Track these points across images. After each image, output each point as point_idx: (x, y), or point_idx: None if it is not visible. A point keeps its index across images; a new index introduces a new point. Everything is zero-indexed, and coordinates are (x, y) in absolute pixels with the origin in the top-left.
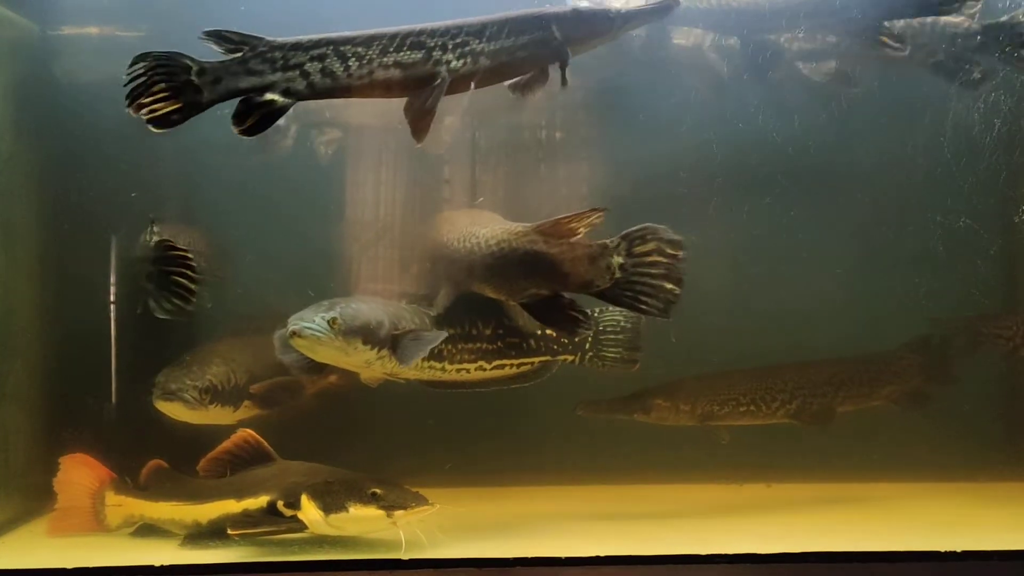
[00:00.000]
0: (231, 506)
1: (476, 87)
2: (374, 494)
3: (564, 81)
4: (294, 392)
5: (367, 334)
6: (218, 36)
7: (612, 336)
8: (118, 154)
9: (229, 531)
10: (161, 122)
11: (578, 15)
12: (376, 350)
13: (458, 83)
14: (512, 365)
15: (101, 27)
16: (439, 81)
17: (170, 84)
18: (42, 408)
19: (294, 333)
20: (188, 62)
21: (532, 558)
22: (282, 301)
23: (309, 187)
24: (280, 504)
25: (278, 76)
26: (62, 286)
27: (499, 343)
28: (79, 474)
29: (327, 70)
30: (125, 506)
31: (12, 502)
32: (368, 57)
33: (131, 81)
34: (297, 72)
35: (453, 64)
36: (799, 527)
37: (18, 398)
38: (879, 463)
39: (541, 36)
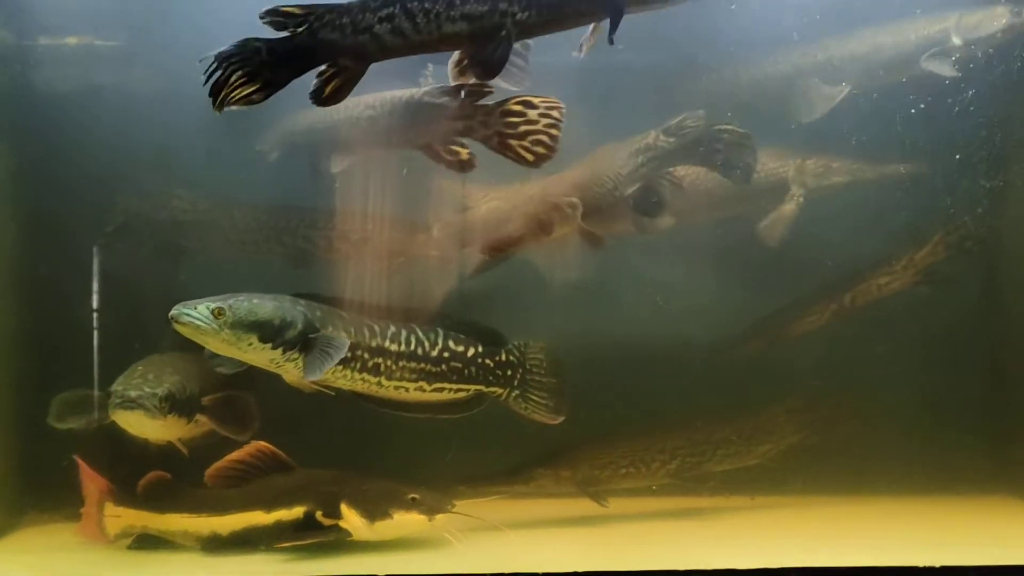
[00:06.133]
0: (259, 517)
1: (534, 36)
2: (414, 499)
3: (611, 39)
4: (244, 409)
5: (265, 331)
6: (279, 14)
7: (537, 379)
8: (95, 161)
9: (277, 544)
10: (241, 103)
11: None
12: (281, 351)
13: (520, 34)
14: (451, 390)
15: (79, 37)
16: (505, 32)
17: (245, 70)
18: (16, 421)
19: (173, 318)
20: (257, 44)
21: (509, 574)
22: None
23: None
24: (319, 514)
25: (350, 42)
26: (38, 295)
27: (443, 366)
28: (86, 482)
29: (397, 29)
30: (124, 517)
31: None
32: (435, 12)
33: (208, 79)
34: (368, 35)
35: (518, 16)
36: (780, 541)
37: None
38: (860, 477)
39: None
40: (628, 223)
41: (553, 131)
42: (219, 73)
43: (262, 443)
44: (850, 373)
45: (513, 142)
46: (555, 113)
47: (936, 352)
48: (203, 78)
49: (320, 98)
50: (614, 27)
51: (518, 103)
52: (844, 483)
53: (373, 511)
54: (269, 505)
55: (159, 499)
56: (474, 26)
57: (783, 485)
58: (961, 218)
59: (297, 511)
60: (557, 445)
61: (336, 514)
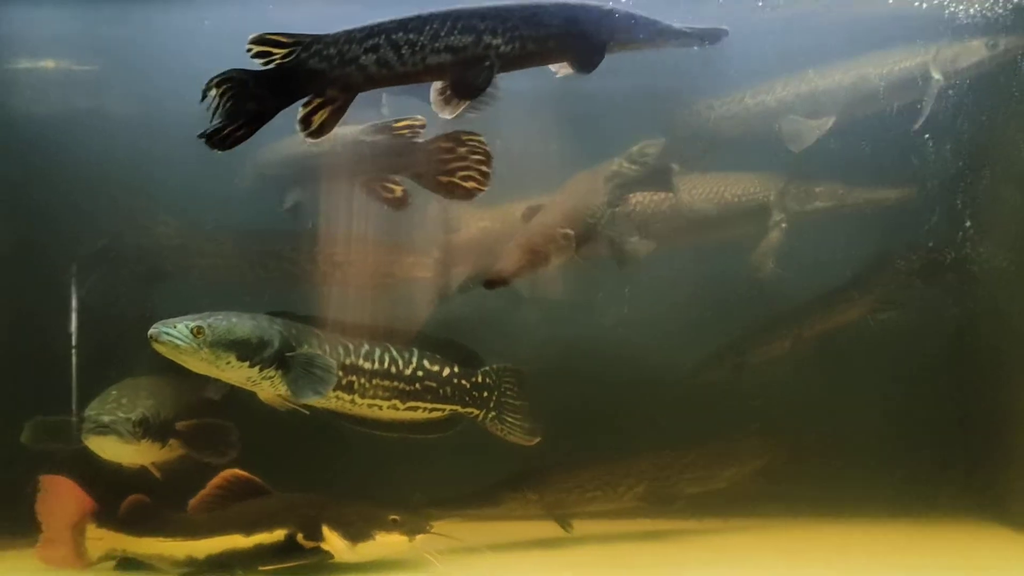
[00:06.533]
0: (239, 541)
1: (516, 69)
2: (395, 521)
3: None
4: (222, 436)
5: (243, 350)
6: (267, 41)
7: (512, 401)
8: (70, 186)
9: (261, 567)
10: (226, 142)
11: (629, 18)
12: (258, 369)
13: (503, 66)
14: (425, 409)
15: (56, 61)
16: (488, 63)
17: (234, 103)
18: None
19: (152, 337)
20: (243, 76)
21: None
22: None
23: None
24: (300, 537)
25: (337, 73)
26: (11, 318)
27: (417, 385)
28: (60, 502)
29: (382, 60)
30: (106, 540)
31: None
32: (420, 43)
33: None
34: (354, 66)
35: (502, 49)
36: (755, 564)
37: None
38: (835, 500)
39: (588, 30)
40: (607, 248)
41: (483, 167)
42: (219, 110)
43: (235, 470)
44: (820, 397)
45: (443, 178)
46: (482, 149)
47: (909, 376)
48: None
49: (309, 129)
50: (595, 64)
51: (447, 140)
52: (819, 506)
53: (355, 533)
54: (248, 529)
55: (135, 522)
56: (458, 57)
57: (757, 507)
58: (924, 244)
59: (278, 534)
60: (524, 467)
61: (318, 536)
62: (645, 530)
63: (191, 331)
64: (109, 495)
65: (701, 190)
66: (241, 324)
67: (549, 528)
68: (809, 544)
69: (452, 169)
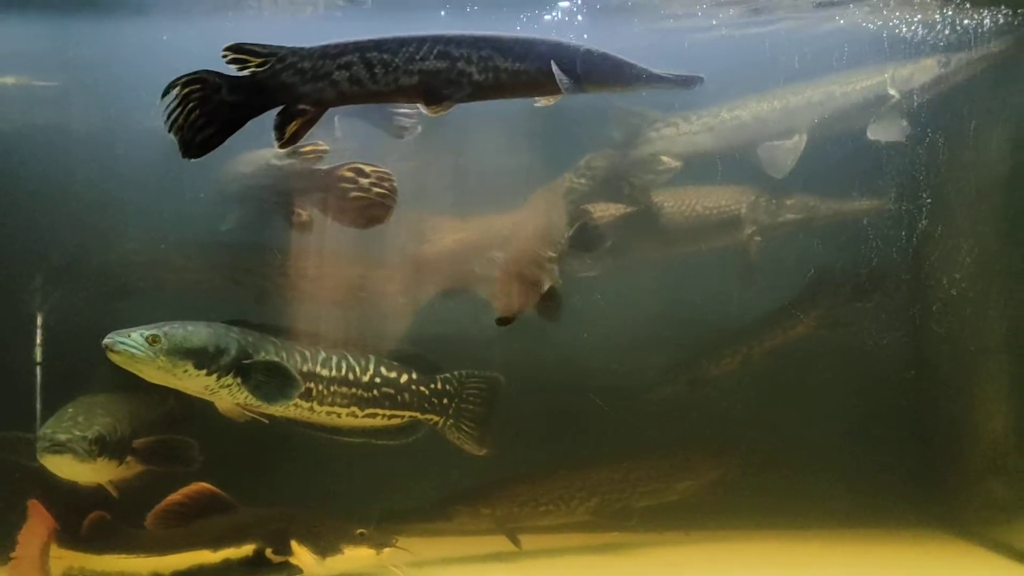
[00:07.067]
0: (206, 556)
1: (488, 99)
2: (362, 534)
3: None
4: (182, 451)
5: (199, 358)
6: (243, 50)
7: (471, 408)
8: (32, 202)
9: None
10: (200, 149)
11: (605, 59)
12: (216, 377)
13: (474, 94)
14: (384, 415)
15: (17, 77)
16: (459, 87)
17: (204, 108)
18: None
19: (107, 347)
20: (218, 80)
21: None
22: None
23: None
24: (269, 552)
25: (309, 87)
26: None
27: (375, 391)
28: (34, 524)
29: (354, 78)
30: (64, 559)
31: None
32: (394, 64)
33: (170, 117)
34: (326, 82)
35: (475, 77)
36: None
37: None
38: (794, 512)
39: (563, 68)
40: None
41: (385, 199)
42: (179, 109)
43: (202, 484)
44: (778, 410)
45: (344, 206)
46: (386, 184)
47: (866, 390)
48: (164, 113)
49: (282, 138)
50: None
51: (350, 170)
52: (779, 518)
53: (324, 547)
54: (216, 544)
55: (97, 539)
56: (430, 81)
57: (719, 520)
58: (870, 260)
59: (246, 549)
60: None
61: (286, 551)
62: (606, 543)
63: (146, 340)
64: (71, 512)
65: (673, 203)
66: (197, 332)
67: (530, 542)
68: (769, 556)
69: (352, 198)
